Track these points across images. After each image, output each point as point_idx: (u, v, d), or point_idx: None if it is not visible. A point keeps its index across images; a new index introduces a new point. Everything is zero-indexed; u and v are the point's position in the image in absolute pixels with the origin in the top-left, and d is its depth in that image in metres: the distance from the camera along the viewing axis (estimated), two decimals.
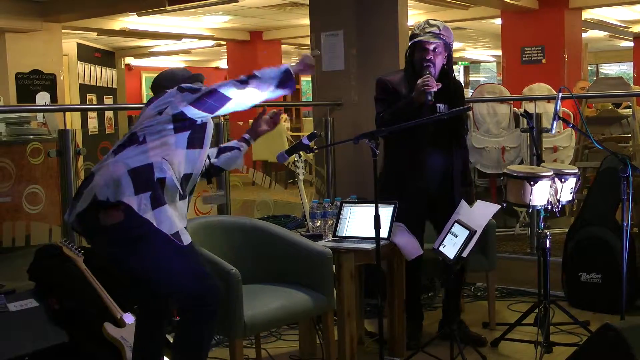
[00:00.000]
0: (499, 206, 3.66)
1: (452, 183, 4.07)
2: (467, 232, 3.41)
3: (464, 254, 3.44)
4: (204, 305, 2.90)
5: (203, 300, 2.90)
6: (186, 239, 2.90)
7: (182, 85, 2.97)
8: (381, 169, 4.16)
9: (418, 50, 4.00)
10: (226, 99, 2.89)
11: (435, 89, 3.83)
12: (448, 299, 4.22)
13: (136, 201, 2.79)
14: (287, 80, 2.93)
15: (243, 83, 2.89)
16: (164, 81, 3.13)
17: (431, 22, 4.03)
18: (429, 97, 3.83)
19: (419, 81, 3.84)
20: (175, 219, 2.88)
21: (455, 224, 3.54)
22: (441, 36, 3.96)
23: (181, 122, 2.92)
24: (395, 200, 3.86)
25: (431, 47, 3.96)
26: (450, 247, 3.49)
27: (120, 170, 2.83)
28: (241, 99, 2.92)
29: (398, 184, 4.10)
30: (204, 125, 3.01)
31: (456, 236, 3.50)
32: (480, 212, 3.59)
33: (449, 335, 3.65)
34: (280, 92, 2.98)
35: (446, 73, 4.09)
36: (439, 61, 4.01)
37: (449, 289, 4.20)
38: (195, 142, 2.98)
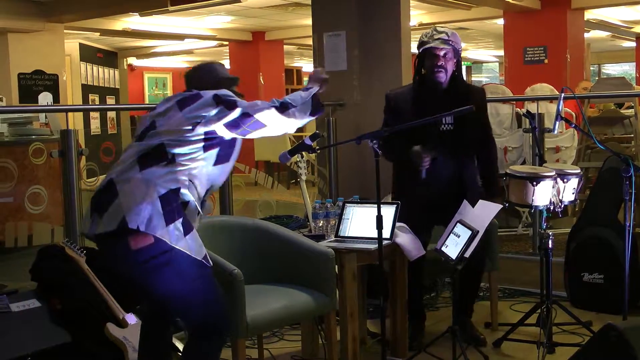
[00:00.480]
0: (501, 206, 3.65)
1: (464, 192, 3.97)
2: (470, 232, 3.41)
3: (467, 254, 3.43)
4: (218, 330, 2.92)
5: (219, 324, 2.92)
6: (209, 261, 2.88)
7: (219, 94, 2.87)
8: (392, 174, 4.22)
9: (428, 57, 3.99)
10: (260, 125, 2.84)
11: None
12: (459, 298, 4.16)
13: (168, 233, 2.72)
14: (318, 106, 2.93)
15: (281, 110, 2.84)
16: (204, 75, 3.06)
17: (439, 29, 4.02)
18: (423, 175, 3.92)
19: (421, 162, 3.89)
20: (199, 239, 2.83)
21: (458, 224, 3.54)
22: (450, 42, 3.96)
23: (211, 140, 2.85)
24: (397, 201, 3.86)
25: (441, 52, 3.94)
26: (452, 247, 3.49)
27: (151, 197, 2.71)
28: (276, 126, 2.88)
29: (404, 189, 4.14)
30: (233, 140, 2.94)
31: (458, 236, 3.49)
32: (483, 212, 3.58)
33: (452, 334, 3.64)
34: (311, 119, 2.97)
35: (456, 79, 4.07)
36: (450, 67, 4.00)
37: (463, 289, 4.14)
38: (222, 158, 2.92)
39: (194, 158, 2.82)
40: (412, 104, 4.05)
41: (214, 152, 2.87)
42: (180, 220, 2.75)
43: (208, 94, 2.87)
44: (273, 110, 2.84)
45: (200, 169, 2.84)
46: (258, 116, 2.82)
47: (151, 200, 2.71)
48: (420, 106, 3.99)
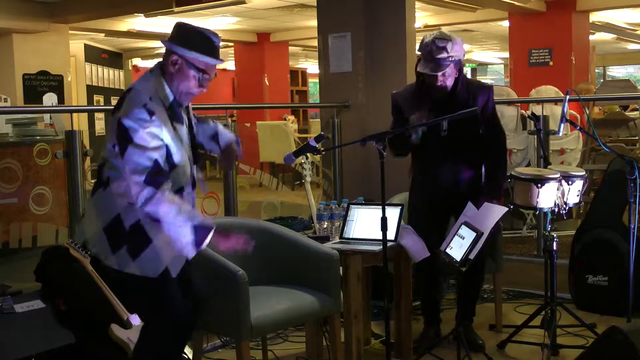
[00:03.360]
0: (506, 208, 3.65)
1: (470, 193, 3.93)
2: (474, 234, 3.41)
3: (471, 256, 3.43)
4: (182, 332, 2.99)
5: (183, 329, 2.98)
6: (175, 269, 2.86)
7: (123, 121, 2.67)
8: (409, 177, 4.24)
9: (428, 75, 3.88)
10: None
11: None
12: (461, 300, 4.18)
13: (115, 259, 2.83)
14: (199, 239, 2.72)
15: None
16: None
17: (439, 43, 3.81)
18: (414, 137, 3.88)
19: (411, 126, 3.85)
20: (167, 247, 2.80)
21: (462, 225, 3.54)
22: (449, 60, 3.81)
23: None
24: (401, 203, 3.87)
25: (439, 73, 3.84)
26: (457, 249, 3.49)
27: (96, 228, 2.84)
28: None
29: (415, 192, 4.18)
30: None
31: (463, 238, 3.49)
32: (487, 214, 3.58)
33: (457, 337, 3.64)
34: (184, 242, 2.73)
35: (459, 81, 3.96)
36: (451, 79, 3.90)
37: (463, 291, 4.14)
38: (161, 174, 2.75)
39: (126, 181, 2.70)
40: (414, 104, 4.00)
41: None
42: (125, 247, 2.81)
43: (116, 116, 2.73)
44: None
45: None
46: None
47: (97, 231, 2.84)
48: (422, 107, 3.96)
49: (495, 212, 3.59)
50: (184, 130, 2.86)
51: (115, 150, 2.71)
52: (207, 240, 2.72)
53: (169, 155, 2.75)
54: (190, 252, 2.74)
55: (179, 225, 2.68)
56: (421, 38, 4.01)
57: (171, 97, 2.82)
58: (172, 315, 2.95)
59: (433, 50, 3.80)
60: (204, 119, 3.17)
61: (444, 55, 3.78)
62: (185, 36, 2.83)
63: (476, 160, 4.07)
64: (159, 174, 2.68)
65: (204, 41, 2.84)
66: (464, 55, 3.93)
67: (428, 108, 3.88)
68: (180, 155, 2.80)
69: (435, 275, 4.15)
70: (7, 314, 3.61)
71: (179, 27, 2.88)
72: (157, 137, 2.69)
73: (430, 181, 4.06)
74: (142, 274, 2.82)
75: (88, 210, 2.86)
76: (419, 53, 3.95)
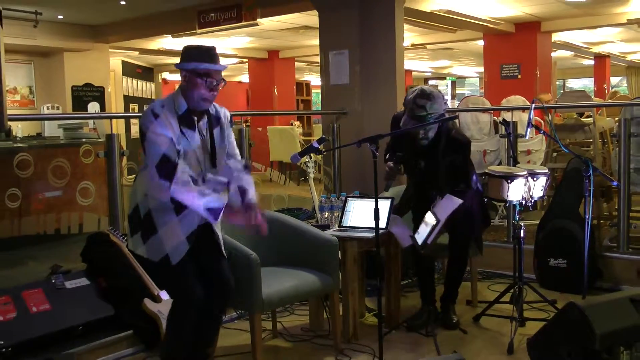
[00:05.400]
0: (461, 201, 3.61)
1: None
2: (435, 221, 3.40)
3: (429, 241, 3.44)
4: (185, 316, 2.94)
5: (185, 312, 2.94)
6: (175, 257, 2.84)
7: (140, 126, 2.80)
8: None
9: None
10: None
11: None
12: (447, 283, 4.12)
13: (132, 242, 2.93)
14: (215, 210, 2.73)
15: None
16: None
17: (419, 102, 3.62)
18: (389, 184, 3.81)
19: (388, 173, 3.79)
20: (169, 238, 2.82)
21: (429, 212, 3.53)
22: (429, 116, 3.61)
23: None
24: (392, 196, 3.86)
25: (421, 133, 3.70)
26: (422, 234, 3.49)
27: (127, 215, 2.97)
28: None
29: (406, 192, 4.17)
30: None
31: (427, 225, 3.49)
32: (446, 205, 3.56)
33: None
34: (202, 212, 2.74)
35: (441, 136, 3.76)
36: (432, 133, 3.73)
37: (448, 278, 4.09)
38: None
39: (142, 175, 2.87)
40: (401, 140, 3.88)
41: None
42: (139, 233, 2.87)
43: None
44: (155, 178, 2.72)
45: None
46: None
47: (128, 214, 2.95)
48: (403, 142, 3.87)
49: (452, 202, 3.57)
50: (193, 135, 2.85)
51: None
52: (220, 215, 2.76)
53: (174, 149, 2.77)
54: (212, 220, 2.78)
55: (194, 202, 2.72)
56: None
57: (184, 107, 2.84)
58: (173, 295, 3.04)
59: (414, 108, 3.65)
60: (247, 167, 3.11)
61: (423, 113, 3.63)
62: (185, 53, 2.90)
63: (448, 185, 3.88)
64: (170, 163, 2.72)
65: (200, 52, 2.87)
66: (444, 109, 3.70)
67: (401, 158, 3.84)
68: (184, 151, 2.80)
69: (427, 260, 4.10)
70: (59, 289, 3.63)
71: (183, 49, 2.93)
72: (162, 134, 2.74)
73: (415, 193, 4.05)
74: (147, 256, 2.88)
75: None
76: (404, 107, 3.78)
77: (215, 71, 2.85)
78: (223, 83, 2.90)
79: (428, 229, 3.47)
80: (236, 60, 15.43)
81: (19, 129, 8.72)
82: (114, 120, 4.50)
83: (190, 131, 2.84)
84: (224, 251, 3.06)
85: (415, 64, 17.86)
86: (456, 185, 3.75)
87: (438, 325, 3.95)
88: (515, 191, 3.83)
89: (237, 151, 3.11)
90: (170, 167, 2.71)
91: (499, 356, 3.52)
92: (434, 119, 3.64)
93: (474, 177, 3.90)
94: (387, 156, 3.91)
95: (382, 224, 3.64)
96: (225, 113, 3.03)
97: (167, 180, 2.69)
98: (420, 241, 3.47)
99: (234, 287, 3.06)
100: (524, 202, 3.89)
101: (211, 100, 2.89)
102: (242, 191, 3.00)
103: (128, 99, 13.38)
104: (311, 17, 9.41)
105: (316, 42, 6.29)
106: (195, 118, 2.88)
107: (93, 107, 10.88)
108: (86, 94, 11.31)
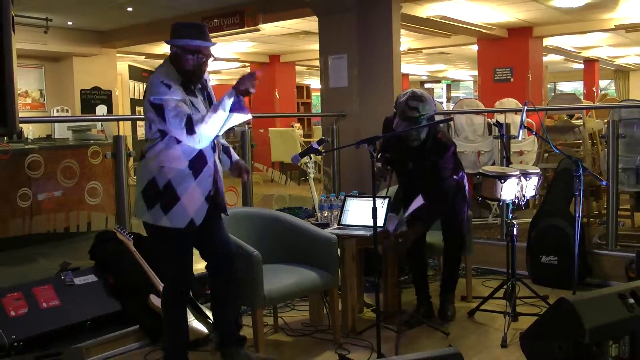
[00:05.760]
0: (422, 201, 3.66)
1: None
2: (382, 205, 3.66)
3: (388, 228, 3.61)
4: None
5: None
6: (199, 219, 2.87)
7: (152, 100, 2.74)
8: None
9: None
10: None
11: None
12: (445, 274, 4.14)
13: (150, 215, 2.84)
14: (235, 104, 2.70)
15: (188, 132, 2.71)
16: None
17: (411, 104, 3.59)
18: (378, 184, 3.80)
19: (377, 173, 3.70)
20: (191, 203, 2.84)
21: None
22: (421, 118, 3.59)
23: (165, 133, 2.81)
24: (389, 196, 3.86)
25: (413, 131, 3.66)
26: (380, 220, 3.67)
27: (137, 194, 2.88)
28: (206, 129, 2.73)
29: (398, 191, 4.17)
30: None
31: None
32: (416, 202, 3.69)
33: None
34: (235, 116, 2.72)
35: (429, 138, 3.74)
36: (423, 134, 3.71)
37: (446, 267, 4.11)
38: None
39: (158, 147, 2.80)
40: (393, 142, 3.87)
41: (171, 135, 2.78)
42: (158, 204, 2.81)
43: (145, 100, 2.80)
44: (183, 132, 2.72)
45: (169, 152, 2.79)
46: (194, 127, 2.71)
47: (137, 195, 2.87)
48: (394, 143, 3.86)
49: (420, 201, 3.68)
50: (198, 101, 2.89)
51: (153, 130, 2.79)
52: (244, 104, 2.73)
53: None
54: (246, 112, 2.75)
55: (221, 115, 2.70)
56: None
57: (180, 78, 2.84)
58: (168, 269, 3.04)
59: (406, 110, 3.62)
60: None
61: (416, 115, 3.60)
62: (175, 30, 2.87)
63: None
64: (193, 121, 2.70)
65: (191, 29, 2.86)
66: (434, 111, 3.69)
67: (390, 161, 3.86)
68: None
69: (422, 258, 4.09)
70: (68, 285, 3.63)
71: (173, 26, 2.90)
72: (181, 99, 2.75)
73: (404, 193, 4.04)
74: (172, 225, 2.83)
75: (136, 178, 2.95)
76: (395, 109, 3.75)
77: (205, 47, 2.85)
78: (212, 59, 2.90)
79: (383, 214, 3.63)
80: (239, 64, 15.42)
81: (30, 130, 8.72)
82: (120, 123, 4.49)
83: (194, 98, 2.87)
84: (227, 211, 3.13)
85: (411, 67, 17.86)
86: (434, 186, 3.73)
87: (432, 319, 3.95)
88: (509, 190, 3.84)
89: None
90: (193, 124, 2.69)
91: (493, 349, 3.52)
92: (426, 120, 3.63)
93: (462, 175, 3.93)
94: (379, 156, 3.90)
95: (380, 222, 3.64)
96: (207, 76, 3.03)
97: (194, 133, 2.69)
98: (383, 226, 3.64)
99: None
100: (516, 201, 3.89)
101: (201, 75, 2.90)
102: (226, 150, 3.15)
103: (134, 102, 13.38)
104: (311, 23, 9.42)
105: (316, 46, 6.29)
106: (192, 86, 2.90)
107: (101, 109, 10.88)
108: (94, 97, 11.31)
